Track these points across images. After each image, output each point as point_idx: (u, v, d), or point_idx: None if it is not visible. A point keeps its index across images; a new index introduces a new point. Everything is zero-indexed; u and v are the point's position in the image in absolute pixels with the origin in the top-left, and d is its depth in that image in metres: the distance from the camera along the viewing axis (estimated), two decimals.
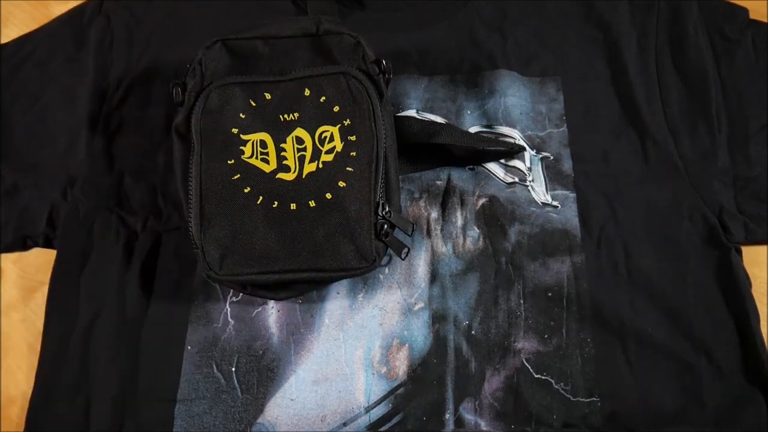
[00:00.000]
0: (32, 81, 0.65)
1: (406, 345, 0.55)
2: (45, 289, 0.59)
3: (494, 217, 0.59)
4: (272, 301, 0.57)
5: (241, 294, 0.57)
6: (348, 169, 0.53)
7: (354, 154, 0.53)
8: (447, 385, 0.54)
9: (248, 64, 0.56)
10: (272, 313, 0.57)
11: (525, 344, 0.55)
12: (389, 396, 0.54)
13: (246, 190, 0.53)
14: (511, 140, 0.62)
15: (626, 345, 0.55)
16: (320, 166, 0.53)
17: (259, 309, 0.57)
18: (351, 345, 0.55)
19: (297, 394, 0.54)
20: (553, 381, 0.54)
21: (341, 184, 0.52)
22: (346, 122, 0.54)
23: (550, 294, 0.56)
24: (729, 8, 0.65)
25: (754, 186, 0.59)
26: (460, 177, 0.61)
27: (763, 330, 0.55)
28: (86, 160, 0.62)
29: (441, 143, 0.59)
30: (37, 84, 0.65)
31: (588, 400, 0.53)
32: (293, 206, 0.52)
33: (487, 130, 0.63)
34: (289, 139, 0.54)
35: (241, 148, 0.54)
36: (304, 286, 0.55)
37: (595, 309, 0.56)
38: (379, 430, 0.53)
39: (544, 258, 0.57)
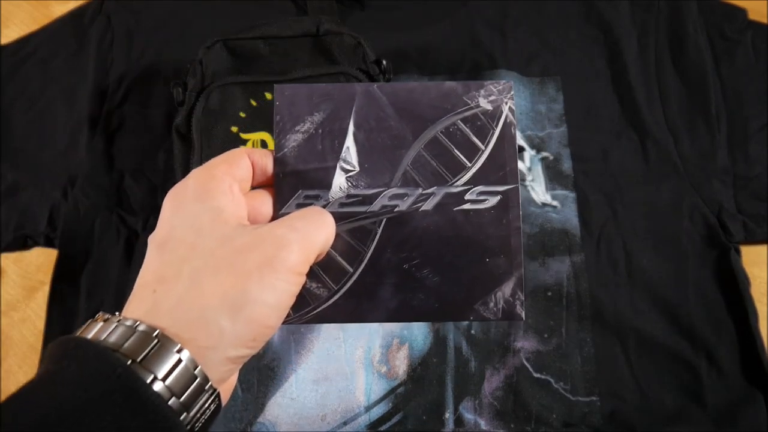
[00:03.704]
0: (33, 81, 0.65)
1: (406, 344, 0.55)
2: (46, 289, 0.59)
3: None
4: None
5: None
6: None
7: None
8: (447, 385, 0.54)
9: (249, 64, 0.56)
10: None
11: (525, 344, 0.55)
12: (389, 395, 0.54)
13: None
14: None
15: (626, 344, 0.55)
16: None
17: None
18: (351, 344, 0.55)
19: (297, 393, 0.54)
20: (552, 380, 0.54)
21: None
22: None
23: (549, 293, 0.56)
24: (728, 8, 0.65)
25: (754, 185, 0.59)
26: None
27: (763, 330, 0.55)
28: (87, 159, 0.62)
29: None
30: (38, 83, 0.65)
31: (587, 399, 0.53)
32: None
33: None
34: None
35: (241, 147, 0.54)
36: None
37: (595, 308, 0.56)
38: (379, 429, 0.53)
39: (543, 257, 0.57)
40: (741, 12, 0.65)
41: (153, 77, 0.65)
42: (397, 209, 0.36)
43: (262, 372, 0.55)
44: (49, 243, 0.61)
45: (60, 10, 0.69)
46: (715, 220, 0.58)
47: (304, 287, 0.34)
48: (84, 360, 0.26)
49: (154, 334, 0.27)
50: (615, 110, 0.63)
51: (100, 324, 0.28)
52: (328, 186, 0.36)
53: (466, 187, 0.36)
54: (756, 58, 0.63)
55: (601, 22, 0.65)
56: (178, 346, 0.27)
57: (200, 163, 0.54)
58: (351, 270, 0.36)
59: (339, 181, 0.36)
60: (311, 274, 0.35)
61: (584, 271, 0.57)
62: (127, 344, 0.27)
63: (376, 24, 0.65)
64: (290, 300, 0.31)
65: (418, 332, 0.56)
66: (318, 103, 0.37)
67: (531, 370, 0.54)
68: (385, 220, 0.36)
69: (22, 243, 0.62)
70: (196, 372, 0.27)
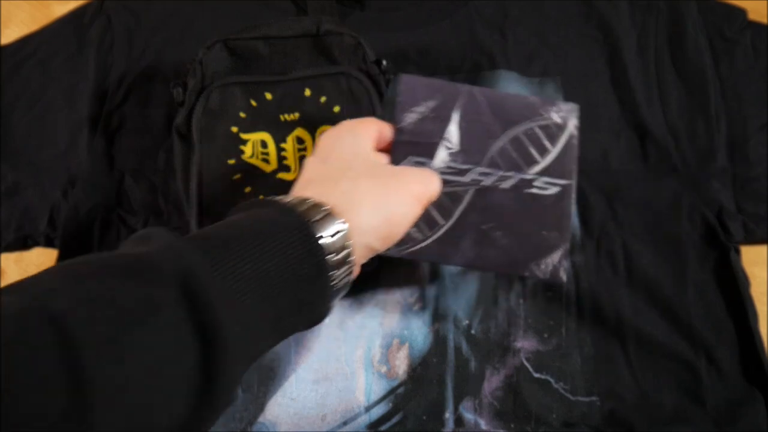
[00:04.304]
0: (33, 81, 0.65)
1: (406, 344, 0.56)
2: None
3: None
4: None
5: None
6: None
7: None
8: (447, 385, 0.54)
9: (249, 64, 0.56)
10: None
11: (524, 343, 0.55)
12: (389, 395, 0.54)
13: (246, 190, 0.53)
14: None
15: (626, 344, 0.55)
16: None
17: None
18: (351, 344, 0.55)
19: (297, 393, 0.54)
20: (552, 380, 0.54)
21: None
22: None
23: (549, 293, 0.56)
24: (728, 9, 0.65)
25: (754, 185, 0.59)
26: None
27: (763, 330, 0.55)
28: (87, 159, 0.62)
29: None
30: (38, 84, 0.65)
31: (587, 399, 0.53)
32: None
33: None
34: (289, 139, 0.54)
35: (241, 147, 0.54)
36: None
37: (595, 308, 0.56)
38: (379, 429, 0.53)
39: None
40: (741, 12, 0.65)
41: (153, 77, 0.65)
42: (482, 183, 0.47)
43: (262, 372, 0.55)
44: (49, 243, 0.61)
45: (60, 10, 0.69)
46: (715, 220, 0.58)
47: None
48: (272, 209, 0.35)
49: (324, 207, 0.36)
50: (615, 110, 0.63)
51: (280, 196, 0.38)
52: (432, 157, 0.47)
53: (535, 176, 0.48)
54: (755, 58, 0.63)
55: (601, 22, 0.65)
56: (341, 220, 0.36)
57: (200, 163, 0.54)
58: (442, 222, 0.47)
59: (441, 154, 0.47)
60: None
61: (584, 271, 0.57)
62: (303, 208, 0.35)
63: (376, 24, 0.65)
64: (411, 221, 0.41)
65: (418, 332, 0.56)
66: (432, 93, 0.48)
67: (531, 369, 0.54)
68: (472, 190, 0.47)
69: (22, 243, 0.62)
70: (346, 244, 0.36)
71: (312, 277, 0.34)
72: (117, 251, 0.31)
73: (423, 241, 0.46)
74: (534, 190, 0.47)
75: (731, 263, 0.56)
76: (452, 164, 0.47)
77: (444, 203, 0.47)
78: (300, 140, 0.54)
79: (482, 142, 0.48)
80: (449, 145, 0.47)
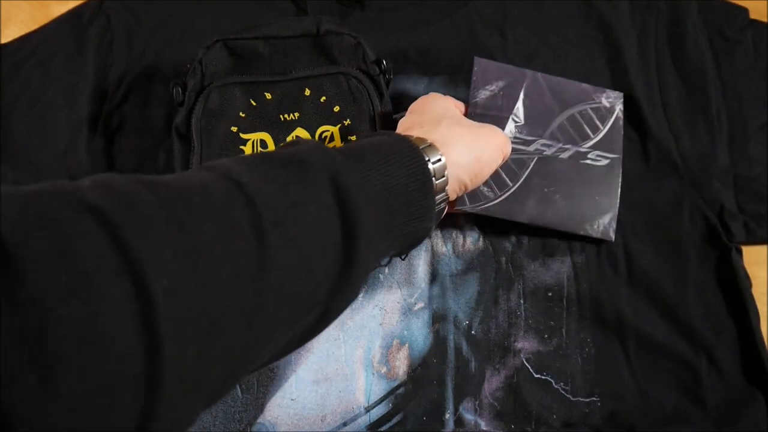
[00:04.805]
0: (33, 81, 0.65)
1: (406, 345, 0.55)
2: None
3: (494, 217, 0.59)
4: None
5: None
6: None
7: None
8: (447, 385, 0.54)
9: (248, 64, 0.56)
10: None
11: (525, 344, 0.55)
12: (389, 396, 0.54)
13: None
14: None
15: (626, 345, 0.55)
16: None
17: None
18: (351, 345, 0.55)
19: (297, 394, 0.54)
20: (553, 381, 0.54)
21: None
22: (346, 122, 0.54)
23: (550, 294, 0.56)
24: (728, 8, 0.65)
25: (755, 185, 0.59)
26: None
27: (763, 330, 0.55)
28: (87, 159, 0.62)
29: None
30: (38, 84, 0.65)
31: (588, 399, 0.53)
32: None
33: None
34: (289, 139, 0.54)
35: (241, 147, 0.54)
36: None
37: (595, 309, 0.56)
38: (379, 429, 0.53)
39: (544, 258, 0.57)
40: (741, 11, 0.64)
41: (153, 77, 0.65)
42: (544, 153, 0.56)
43: (262, 373, 0.55)
44: None
45: (59, 10, 0.69)
46: (716, 220, 0.58)
47: (479, 188, 0.54)
48: (390, 137, 0.42)
49: (429, 140, 0.43)
50: None
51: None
52: (502, 128, 0.55)
53: (589, 150, 0.57)
54: (756, 57, 0.63)
55: (601, 22, 0.65)
56: (440, 152, 0.42)
57: (200, 163, 0.54)
58: (511, 184, 0.55)
59: (510, 127, 0.56)
60: (485, 182, 0.52)
61: (585, 272, 0.57)
62: (412, 139, 0.42)
63: (376, 24, 0.65)
64: (494, 166, 0.49)
65: (418, 332, 0.56)
66: (502, 75, 0.57)
67: (531, 370, 0.54)
68: (536, 158, 0.56)
69: None
70: (446, 172, 0.42)
71: (420, 194, 0.39)
72: (274, 149, 0.37)
73: (494, 199, 0.54)
74: (588, 161, 0.56)
75: (732, 263, 0.56)
76: (519, 135, 0.56)
77: (512, 168, 0.55)
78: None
79: (544, 119, 0.56)
80: (516, 119, 0.56)
